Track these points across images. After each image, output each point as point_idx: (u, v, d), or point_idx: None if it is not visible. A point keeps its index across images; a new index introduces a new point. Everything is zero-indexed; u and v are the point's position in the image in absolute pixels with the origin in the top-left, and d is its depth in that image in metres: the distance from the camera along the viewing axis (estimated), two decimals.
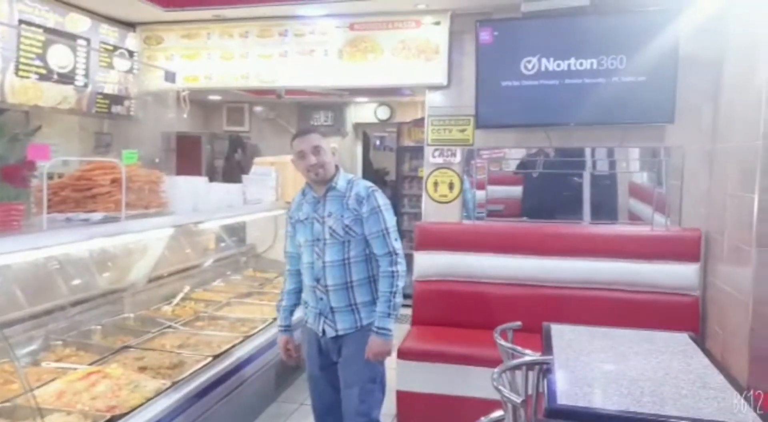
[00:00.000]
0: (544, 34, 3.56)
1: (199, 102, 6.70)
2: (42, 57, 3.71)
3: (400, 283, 2.42)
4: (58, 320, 2.88)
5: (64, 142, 4.50)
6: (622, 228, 3.71)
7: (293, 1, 3.75)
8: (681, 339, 2.67)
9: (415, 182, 6.54)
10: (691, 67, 3.45)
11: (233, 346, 2.98)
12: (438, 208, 4.05)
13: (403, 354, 3.40)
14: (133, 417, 2.20)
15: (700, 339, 3.36)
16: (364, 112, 7.08)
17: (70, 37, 3.90)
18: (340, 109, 6.99)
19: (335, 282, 2.43)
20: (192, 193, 3.16)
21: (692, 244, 3.46)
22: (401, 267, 2.43)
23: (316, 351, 2.53)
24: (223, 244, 4.39)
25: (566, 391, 1.95)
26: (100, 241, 2.63)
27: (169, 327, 3.17)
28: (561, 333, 2.75)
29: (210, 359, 2.77)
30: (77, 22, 3.96)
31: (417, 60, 3.87)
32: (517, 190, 4.07)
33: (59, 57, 3.83)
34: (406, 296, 4.01)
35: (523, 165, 3.99)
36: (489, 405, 2.54)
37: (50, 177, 3.08)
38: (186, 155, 5.75)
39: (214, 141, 6.33)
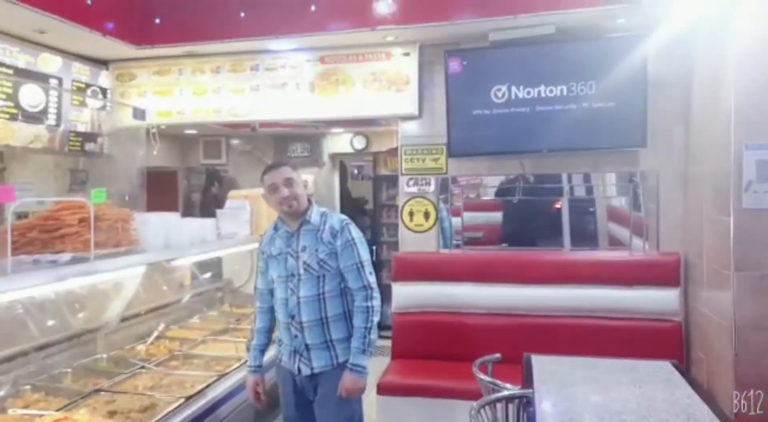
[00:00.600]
0: (512, 62, 3.60)
1: (176, 136, 6.66)
2: (13, 97, 3.67)
3: (375, 318, 2.38)
4: (27, 364, 2.77)
5: (39, 181, 4.43)
6: (600, 254, 3.71)
7: (264, 36, 3.76)
8: (664, 368, 2.63)
9: (393, 211, 6.54)
10: (661, 91, 3.51)
11: (207, 386, 2.88)
12: (414, 238, 4.03)
13: (383, 389, 3.33)
14: None
15: (685, 367, 3.34)
16: (341, 142, 7.09)
17: (41, 77, 3.88)
18: (317, 140, 7.00)
19: (310, 318, 2.38)
20: (164, 230, 3.11)
21: (671, 269, 3.46)
22: (376, 302, 2.39)
23: (291, 390, 2.46)
24: (199, 280, 4.30)
25: None
26: (70, 282, 2.56)
27: (143, 367, 3.06)
28: (542, 364, 2.70)
29: (182, 400, 2.67)
30: (49, 62, 3.93)
31: (388, 91, 3.90)
32: (496, 216, 4.07)
33: (30, 97, 3.80)
34: (386, 328, 4.01)
35: (502, 191, 4.00)
36: None
37: (24, 216, 3.03)
38: (162, 190, 5.70)
39: (190, 175, 6.28)
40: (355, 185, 9.09)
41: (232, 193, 4.21)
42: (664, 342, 3.37)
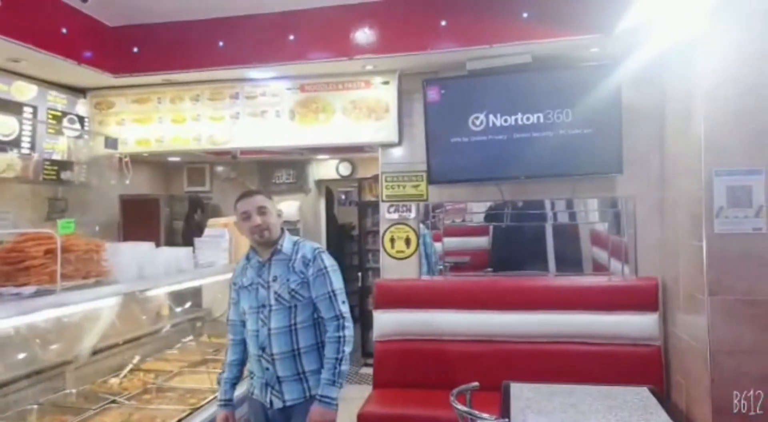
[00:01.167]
0: (490, 90, 3.64)
1: (160, 163, 6.62)
2: None
3: (347, 349, 2.34)
4: None
5: (17, 210, 4.36)
6: (581, 280, 3.70)
7: (243, 64, 3.78)
8: (641, 394, 2.62)
9: (378, 237, 6.50)
10: (636, 118, 3.55)
11: (179, 421, 2.81)
12: (396, 265, 4.01)
13: (363, 420, 3.26)
14: None
15: (665, 391, 3.32)
16: (326, 168, 7.10)
17: (15, 106, 3.84)
18: (302, 167, 6.99)
19: (281, 350, 2.34)
20: (137, 260, 3.05)
21: (649, 293, 3.46)
22: (348, 331, 2.35)
23: None
24: (177, 310, 4.22)
25: None
26: (34, 315, 2.49)
27: (113, 401, 2.98)
28: (520, 391, 2.68)
29: None
30: (23, 90, 3.91)
31: (368, 119, 3.91)
32: (481, 242, 4.07)
33: (3, 125, 3.76)
34: (371, 355, 3.94)
35: (488, 217, 4.01)
36: None
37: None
38: (144, 218, 5.63)
39: (173, 202, 6.21)
40: (342, 211, 9.10)
41: (211, 221, 4.16)
42: (644, 367, 3.35)
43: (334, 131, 3.97)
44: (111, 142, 4.17)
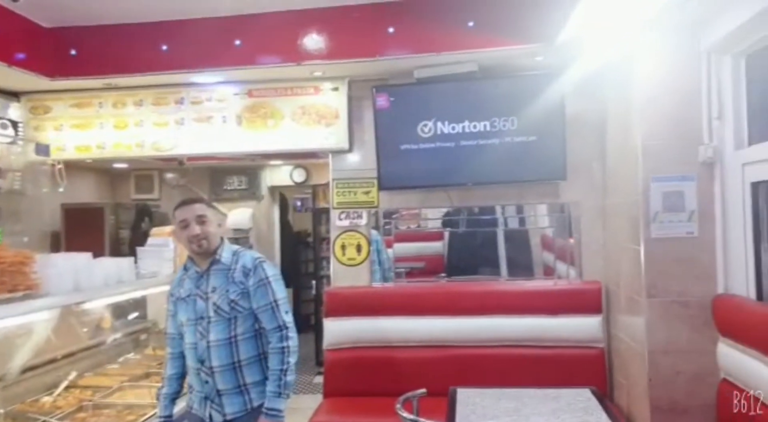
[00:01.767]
0: (438, 98, 3.66)
1: (105, 170, 6.41)
2: None
3: (292, 359, 2.29)
4: None
5: None
6: (529, 284, 3.75)
7: (188, 69, 3.68)
8: (584, 395, 2.66)
9: None
10: (579, 127, 3.64)
11: None
12: (347, 272, 3.97)
13: None
14: None
15: (609, 392, 3.41)
16: (280, 174, 7.01)
17: None
18: (255, 173, 6.89)
19: (221, 363, 2.27)
20: (72, 271, 2.91)
21: (593, 297, 3.53)
22: (292, 342, 2.30)
23: None
24: (120, 322, 4.07)
25: None
26: None
27: None
28: (466, 397, 2.69)
29: None
30: None
31: (318, 125, 3.87)
32: (438, 246, 4.09)
33: None
34: (323, 364, 3.89)
35: (445, 222, 4.04)
36: None
37: None
38: (87, 227, 5.42)
39: (119, 211, 6.00)
40: (298, 218, 9.00)
41: (155, 231, 4.02)
42: (589, 368, 3.42)
43: (283, 137, 3.91)
44: (42, 149, 3.97)
